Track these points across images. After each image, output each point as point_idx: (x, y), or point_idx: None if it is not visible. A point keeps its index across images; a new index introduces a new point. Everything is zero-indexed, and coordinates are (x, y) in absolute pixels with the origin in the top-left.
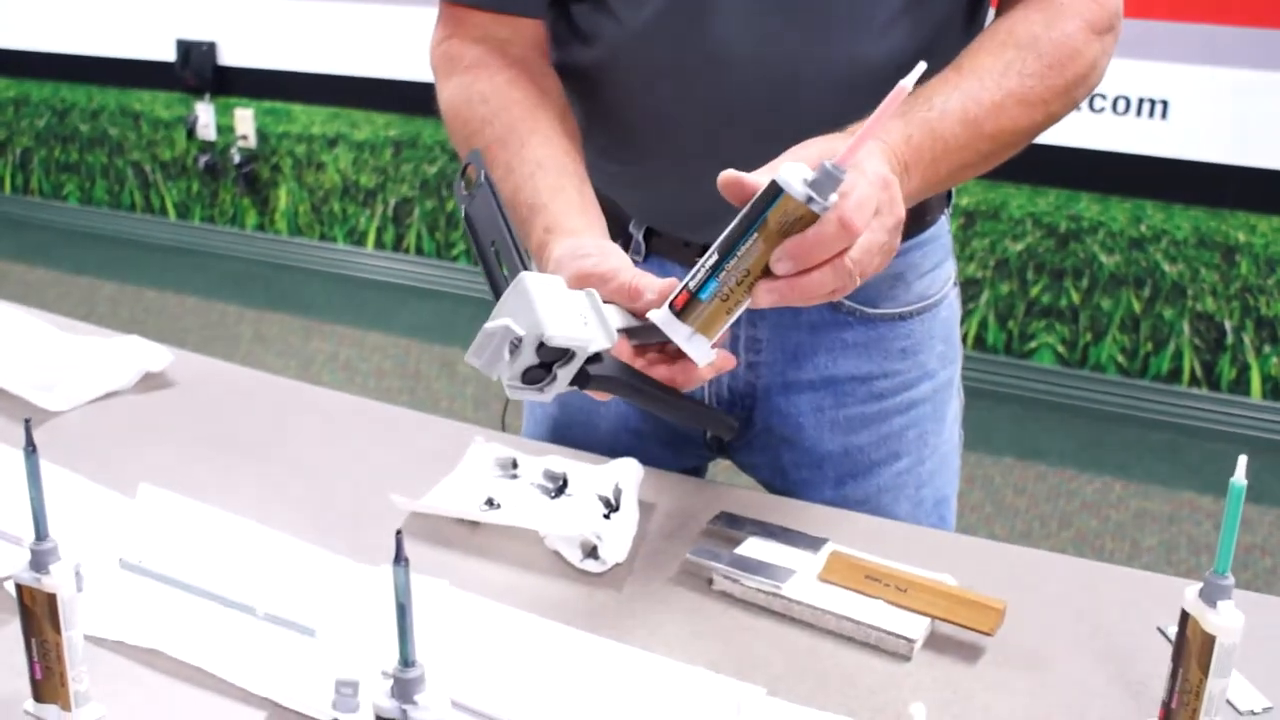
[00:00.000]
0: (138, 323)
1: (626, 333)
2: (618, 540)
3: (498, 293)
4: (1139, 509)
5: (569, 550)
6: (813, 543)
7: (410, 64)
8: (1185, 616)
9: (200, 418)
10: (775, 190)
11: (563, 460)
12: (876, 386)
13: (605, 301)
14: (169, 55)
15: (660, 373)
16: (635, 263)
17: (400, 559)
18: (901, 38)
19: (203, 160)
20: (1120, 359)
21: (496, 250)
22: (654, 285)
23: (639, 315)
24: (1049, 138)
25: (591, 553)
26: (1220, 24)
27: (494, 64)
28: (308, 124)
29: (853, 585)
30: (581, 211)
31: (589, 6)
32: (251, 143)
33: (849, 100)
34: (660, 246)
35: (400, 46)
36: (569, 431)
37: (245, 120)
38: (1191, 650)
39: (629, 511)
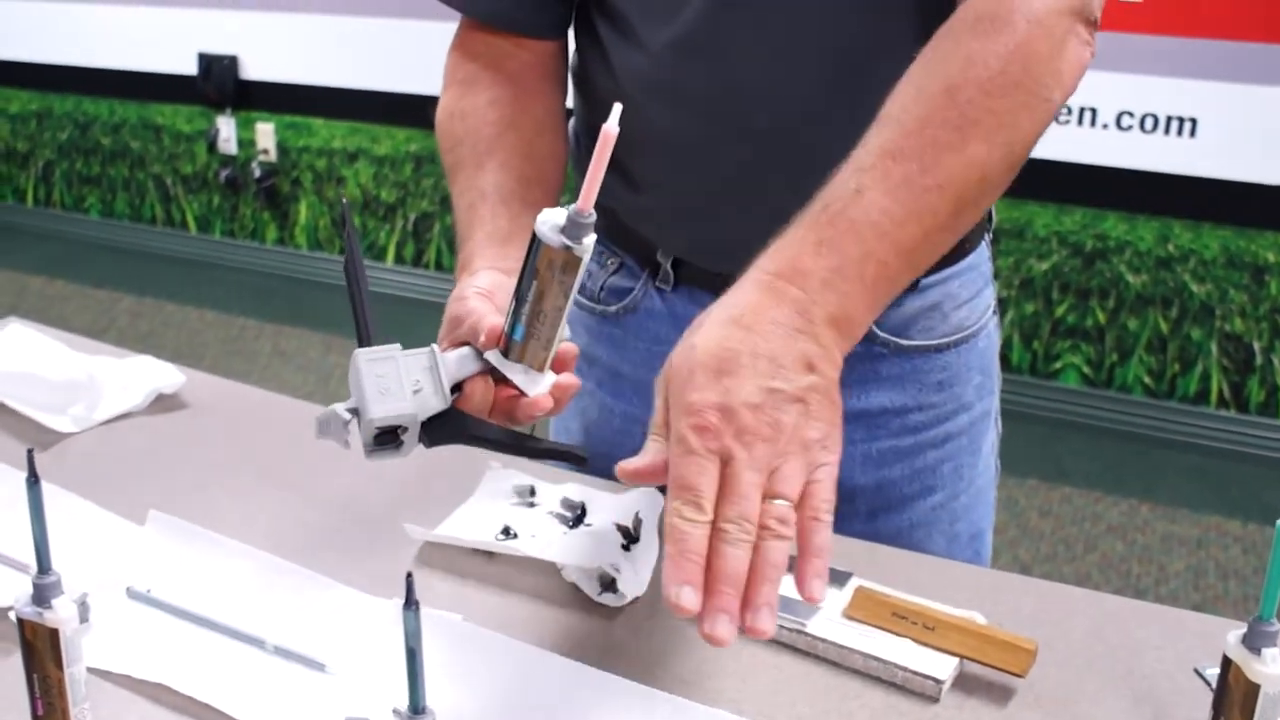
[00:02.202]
0: (156, 336)
1: (489, 371)
2: (637, 573)
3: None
4: (1166, 532)
5: (587, 583)
6: (838, 577)
7: (431, 79)
8: (1227, 663)
9: (213, 441)
10: (536, 241)
11: (581, 488)
12: (910, 420)
13: (462, 344)
14: (191, 69)
15: (505, 406)
16: (662, 291)
17: (410, 603)
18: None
19: (223, 174)
20: (1147, 380)
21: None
22: (486, 320)
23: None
24: (1075, 155)
25: (610, 585)
26: (1248, 40)
27: (484, 81)
28: (328, 138)
29: (879, 623)
30: (502, 242)
31: (616, 30)
32: (272, 156)
33: (866, 127)
34: (689, 276)
35: (421, 61)
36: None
37: (266, 134)
38: (1235, 698)
39: (649, 543)
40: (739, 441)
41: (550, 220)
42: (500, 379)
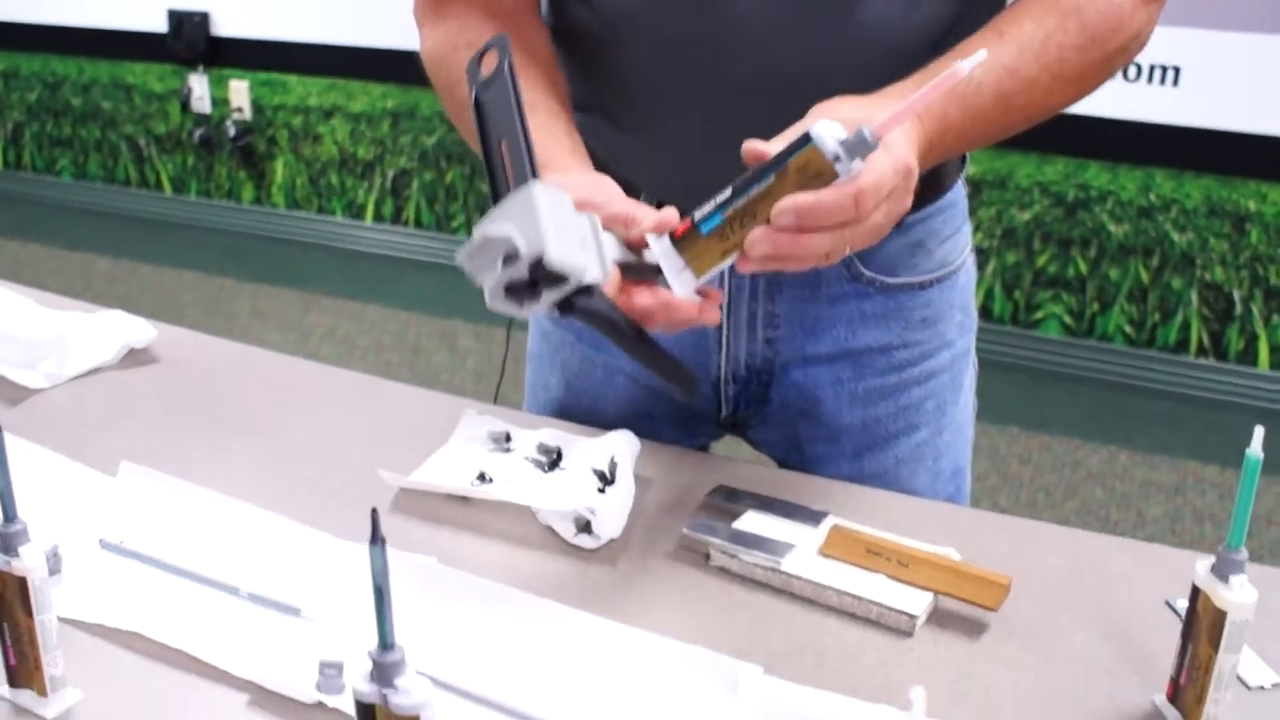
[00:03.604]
0: (133, 298)
1: (618, 264)
2: (612, 515)
3: (498, 195)
4: (1144, 479)
5: (562, 525)
6: (812, 516)
7: (407, 34)
8: (1196, 591)
9: (185, 394)
10: (805, 140)
11: (557, 433)
12: (896, 357)
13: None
14: (161, 26)
15: (643, 300)
16: None
17: (376, 538)
18: (935, 6)
19: (197, 133)
20: (1128, 329)
21: (503, 150)
22: (650, 214)
23: (633, 245)
24: None
25: (585, 528)
26: None
27: (480, 14)
28: (304, 95)
29: (854, 560)
30: (571, 152)
31: None
32: (247, 115)
33: (876, 74)
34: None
35: (397, 16)
36: (574, 410)
37: (240, 92)
38: (1202, 626)
39: (624, 485)
40: (848, 231)
41: (832, 131)
42: (637, 277)
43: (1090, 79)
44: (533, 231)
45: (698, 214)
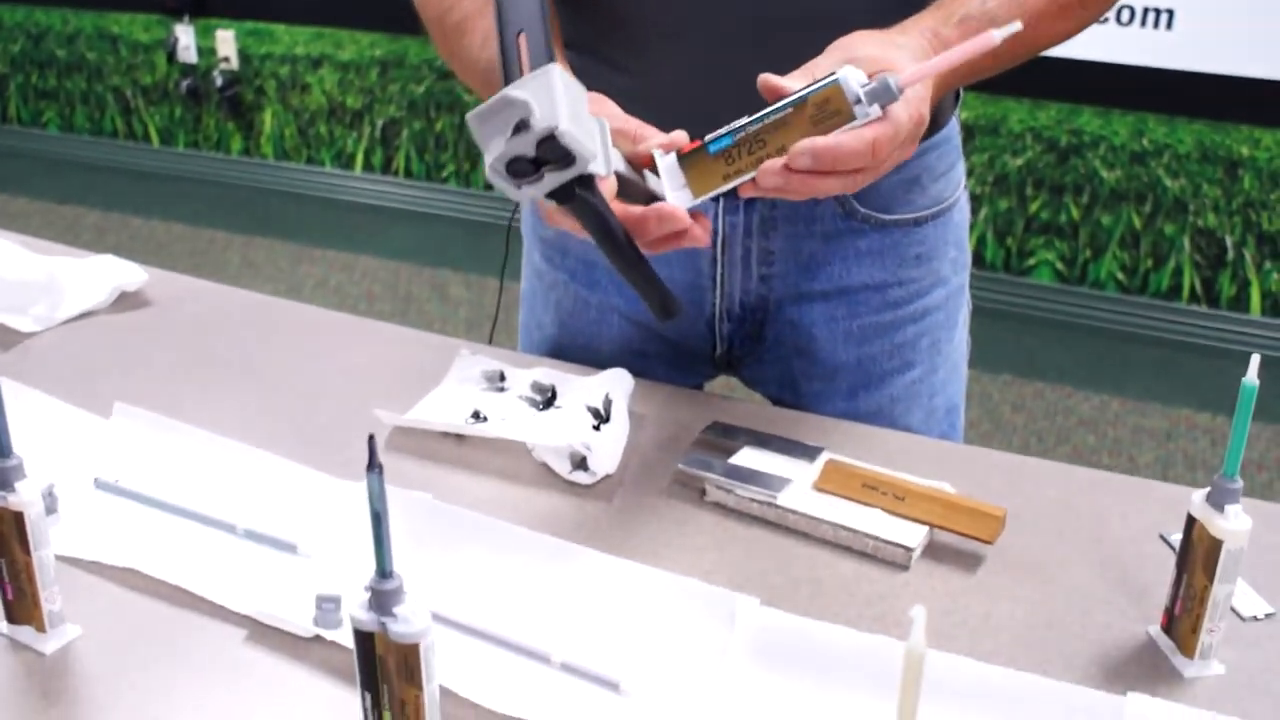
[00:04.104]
0: (123, 250)
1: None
2: (607, 451)
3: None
4: (1136, 425)
5: (557, 462)
6: (808, 452)
7: None
8: (1191, 521)
9: (178, 336)
10: (828, 79)
11: (551, 372)
12: (891, 295)
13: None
14: None
15: (637, 209)
16: None
17: (374, 465)
18: None
19: (184, 84)
20: (1120, 276)
21: (520, 45)
22: (657, 133)
23: (635, 162)
24: (1052, 49)
25: (580, 464)
26: None
27: None
28: (291, 45)
29: (849, 494)
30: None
31: None
32: (234, 65)
33: (885, 13)
34: None
35: None
36: (568, 349)
37: (227, 42)
38: (1197, 555)
39: (619, 422)
40: (860, 176)
41: (857, 76)
42: (630, 200)
43: (1092, 11)
44: (549, 107)
45: (709, 136)
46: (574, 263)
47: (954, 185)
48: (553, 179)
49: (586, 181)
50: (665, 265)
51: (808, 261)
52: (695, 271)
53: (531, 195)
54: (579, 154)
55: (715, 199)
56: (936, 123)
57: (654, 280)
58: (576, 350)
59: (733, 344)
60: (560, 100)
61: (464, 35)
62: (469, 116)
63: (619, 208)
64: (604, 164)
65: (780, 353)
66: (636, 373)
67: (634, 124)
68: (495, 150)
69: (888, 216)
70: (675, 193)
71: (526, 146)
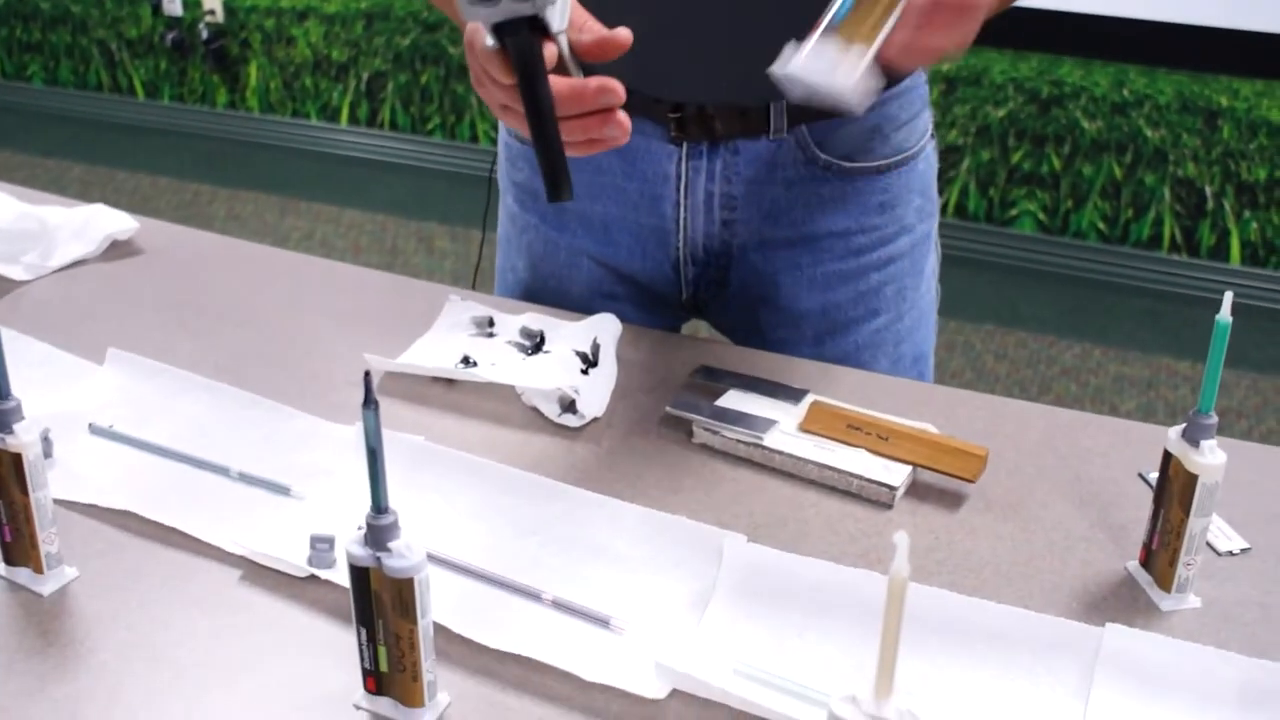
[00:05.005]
0: (109, 203)
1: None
2: (596, 394)
3: None
4: (1117, 374)
5: (546, 405)
6: (793, 394)
7: None
8: (1168, 457)
9: (169, 284)
10: None
11: (540, 317)
12: (854, 242)
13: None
14: None
15: (575, 80)
16: None
17: (369, 402)
18: None
19: (169, 37)
20: (1101, 226)
21: None
22: (600, 26)
23: (574, 48)
24: (1032, 0)
25: (569, 407)
26: None
27: None
28: None
29: (834, 435)
30: None
31: None
32: (219, 18)
33: None
34: (633, 105)
35: None
36: (540, 292)
37: None
38: (1174, 490)
39: (607, 366)
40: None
41: None
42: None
43: None
44: None
45: (826, 13)
46: (545, 206)
47: (918, 134)
48: (509, 7)
49: (536, 25)
50: (631, 209)
51: (770, 208)
52: (659, 215)
53: (482, 17)
54: None
55: (679, 142)
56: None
57: (560, 154)
58: (548, 293)
59: (698, 288)
60: None
61: None
62: None
63: (555, 79)
64: (559, 20)
65: (745, 299)
66: (606, 312)
67: (583, 13)
68: None
69: (850, 164)
70: (827, 75)
71: None
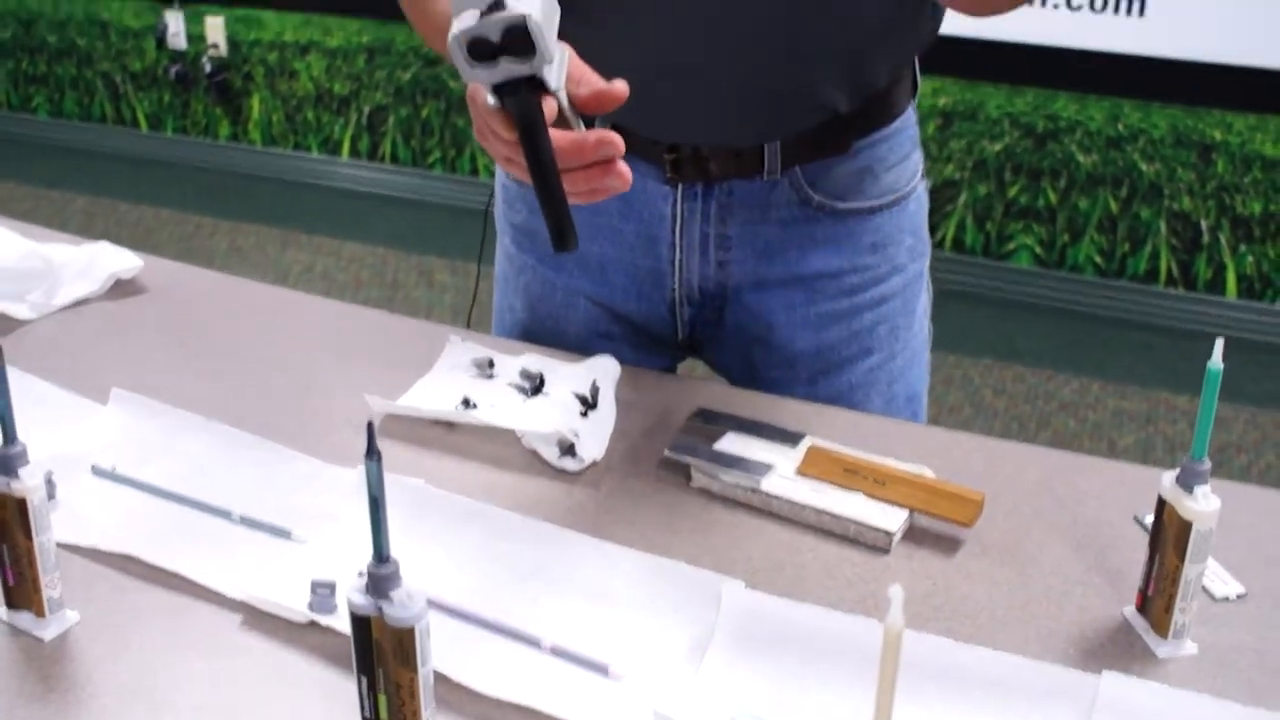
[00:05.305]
0: (111, 235)
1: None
2: (595, 438)
3: None
4: (1116, 409)
5: (546, 449)
6: (791, 437)
7: None
8: (1162, 503)
9: (173, 323)
10: None
11: (539, 359)
12: (847, 282)
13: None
14: None
15: (574, 134)
16: None
17: (372, 452)
18: None
19: (173, 70)
20: (1098, 259)
21: None
22: (599, 80)
23: (573, 102)
24: (1026, 35)
25: (569, 450)
26: None
27: None
28: (279, 31)
29: (831, 478)
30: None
31: None
32: (223, 51)
33: None
34: (629, 146)
35: None
36: (537, 332)
37: (216, 28)
38: (1168, 536)
39: (606, 409)
40: None
41: None
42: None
43: None
44: (530, 1)
45: None
46: (542, 247)
47: (909, 175)
48: (507, 68)
49: (535, 85)
50: (627, 250)
51: (764, 248)
52: (655, 256)
53: (482, 79)
54: (540, 48)
55: (674, 183)
56: (890, 113)
57: (564, 205)
58: (545, 333)
59: (694, 328)
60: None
61: None
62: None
63: (556, 133)
64: (556, 78)
65: (740, 339)
66: (604, 354)
67: (580, 66)
68: (464, 24)
69: (842, 204)
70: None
71: (494, 30)
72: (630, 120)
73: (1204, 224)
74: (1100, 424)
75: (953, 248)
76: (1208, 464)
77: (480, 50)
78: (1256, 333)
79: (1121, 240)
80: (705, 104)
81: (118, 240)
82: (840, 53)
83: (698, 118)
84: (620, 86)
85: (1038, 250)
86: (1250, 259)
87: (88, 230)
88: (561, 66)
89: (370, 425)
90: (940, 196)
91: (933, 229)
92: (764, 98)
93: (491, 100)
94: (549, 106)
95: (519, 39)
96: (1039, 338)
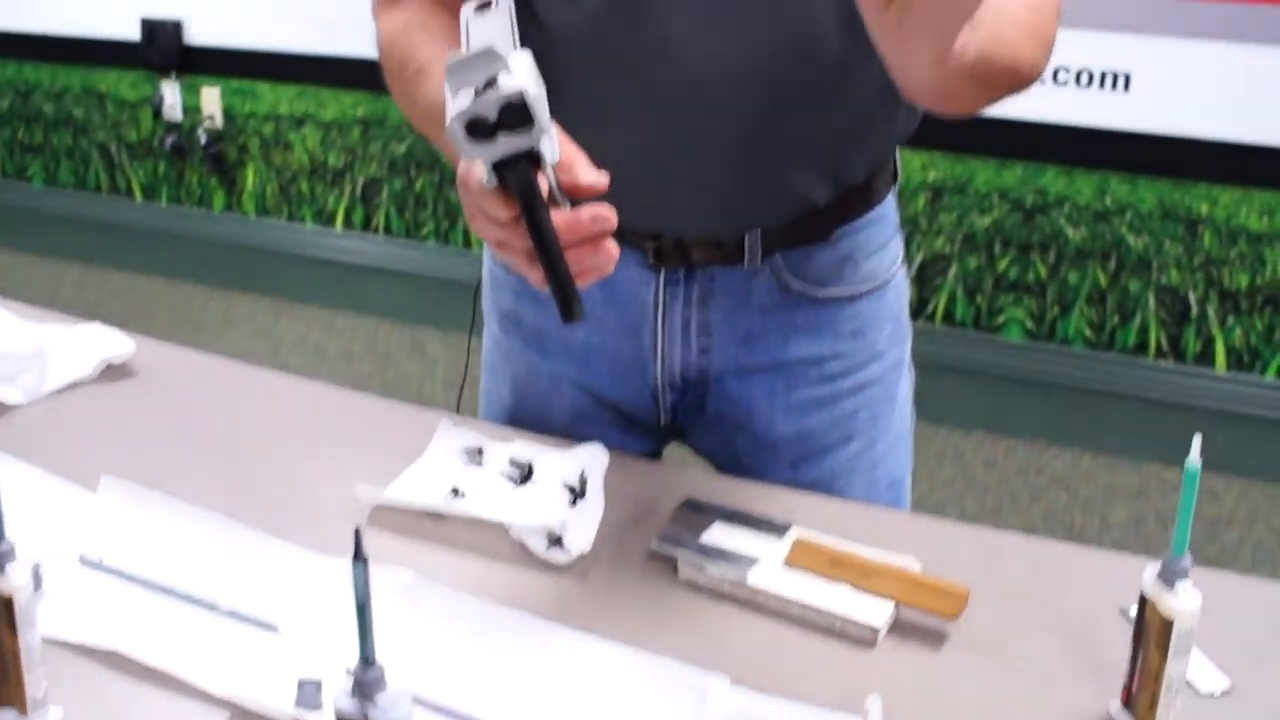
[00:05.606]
0: (104, 305)
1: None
2: (583, 530)
3: None
4: (1108, 483)
5: (534, 540)
6: (777, 528)
7: None
8: (1144, 599)
9: (163, 408)
10: None
11: (528, 447)
12: (828, 368)
13: None
14: (134, 34)
15: (568, 212)
16: None
17: (359, 556)
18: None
19: (169, 140)
20: (1088, 332)
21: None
22: (587, 166)
23: (561, 186)
24: (1014, 111)
25: (556, 542)
26: None
27: (434, 4)
28: (275, 103)
29: (817, 570)
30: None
31: None
32: (218, 122)
33: (794, 88)
34: (617, 235)
35: (367, 24)
36: (524, 417)
37: (212, 99)
38: (1151, 632)
39: (595, 498)
40: None
41: None
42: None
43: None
44: (523, 74)
45: None
46: (528, 331)
47: (889, 262)
48: (506, 144)
49: (532, 159)
50: (610, 336)
51: (745, 335)
52: (637, 342)
53: (482, 155)
54: (538, 122)
55: (656, 270)
56: (870, 200)
57: (569, 275)
58: (532, 417)
59: (677, 414)
60: (532, 75)
61: (423, 79)
62: (447, 61)
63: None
64: (551, 151)
65: (722, 424)
66: (588, 439)
67: (570, 149)
68: (462, 103)
69: (823, 292)
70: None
71: (491, 108)
72: (620, 214)
73: (1192, 296)
74: (1092, 498)
75: (943, 321)
76: (1188, 560)
77: (479, 129)
78: (1247, 405)
79: (1111, 313)
80: (685, 195)
81: (109, 310)
82: (820, 147)
83: (678, 208)
84: (600, 181)
85: (1028, 323)
86: (1239, 331)
87: (79, 300)
88: (554, 141)
89: (357, 532)
90: (930, 270)
91: (923, 302)
92: (744, 190)
93: (488, 179)
94: (542, 182)
95: (516, 114)
96: (1030, 410)
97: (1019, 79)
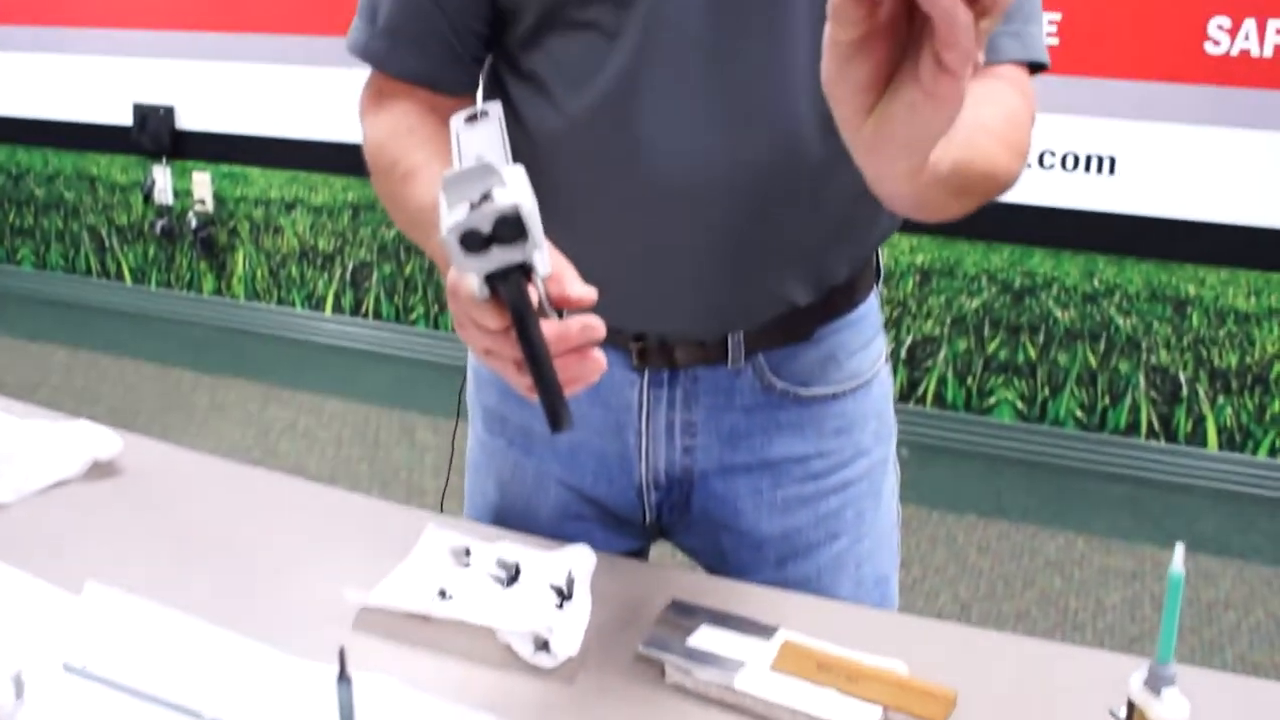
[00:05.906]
0: (91, 390)
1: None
2: (569, 633)
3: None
4: (1102, 565)
5: (521, 644)
6: (764, 630)
7: None
8: (1132, 706)
9: (150, 508)
10: None
11: (515, 548)
12: (812, 467)
13: None
14: (126, 119)
15: (558, 323)
16: None
17: (344, 676)
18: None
19: (159, 224)
20: (1079, 413)
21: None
22: (575, 280)
23: (549, 299)
24: (1001, 196)
25: (543, 646)
26: (1159, 81)
27: (421, 107)
28: (265, 188)
29: (804, 674)
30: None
31: (530, 91)
32: (209, 207)
33: (776, 193)
34: None
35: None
36: (510, 516)
37: (203, 184)
38: None
39: (582, 601)
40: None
41: None
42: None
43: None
44: (518, 188)
45: None
46: (513, 430)
47: (871, 360)
48: (499, 256)
49: (524, 271)
50: (595, 435)
51: (729, 434)
52: (622, 442)
53: (475, 268)
54: (532, 236)
55: (640, 370)
56: (853, 299)
57: (558, 388)
58: (517, 515)
59: (661, 512)
60: (526, 189)
61: (412, 183)
62: (444, 176)
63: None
64: (543, 263)
65: (707, 523)
66: (573, 537)
67: (559, 260)
68: (456, 216)
69: (806, 391)
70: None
71: (485, 221)
72: (597, 309)
73: (1182, 376)
74: (1086, 582)
75: (934, 403)
76: (1174, 667)
77: (473, 241)
78: (1240, 484)
79: (1102, 394)
80: (669, 297)
81: (97, 395)
82: (802, 250)
83: (661, 309)
84: (589, 295)
85: (1019, 405)
86: (1229, 411)
87: (68, 385)
88: (545, 254)
89: (342, 651)
90: (920, 352)
91: (914, 385)
92: (727, 292)
93: (479, 290)
94: (534, 295)
95: (510, 228)
96: (1022, 493)
97: (995, 187)
